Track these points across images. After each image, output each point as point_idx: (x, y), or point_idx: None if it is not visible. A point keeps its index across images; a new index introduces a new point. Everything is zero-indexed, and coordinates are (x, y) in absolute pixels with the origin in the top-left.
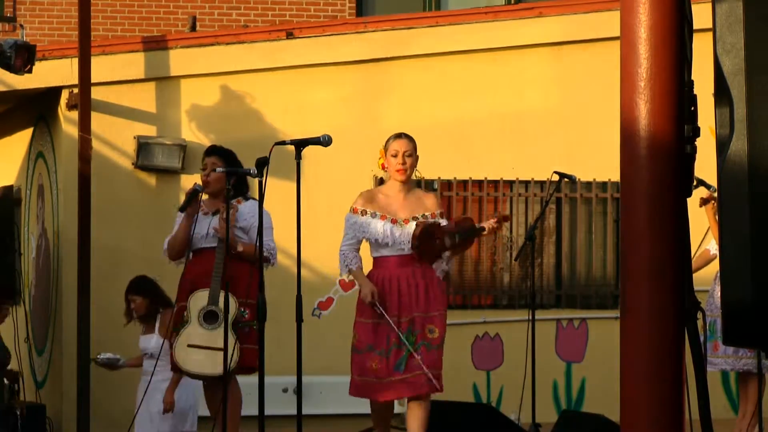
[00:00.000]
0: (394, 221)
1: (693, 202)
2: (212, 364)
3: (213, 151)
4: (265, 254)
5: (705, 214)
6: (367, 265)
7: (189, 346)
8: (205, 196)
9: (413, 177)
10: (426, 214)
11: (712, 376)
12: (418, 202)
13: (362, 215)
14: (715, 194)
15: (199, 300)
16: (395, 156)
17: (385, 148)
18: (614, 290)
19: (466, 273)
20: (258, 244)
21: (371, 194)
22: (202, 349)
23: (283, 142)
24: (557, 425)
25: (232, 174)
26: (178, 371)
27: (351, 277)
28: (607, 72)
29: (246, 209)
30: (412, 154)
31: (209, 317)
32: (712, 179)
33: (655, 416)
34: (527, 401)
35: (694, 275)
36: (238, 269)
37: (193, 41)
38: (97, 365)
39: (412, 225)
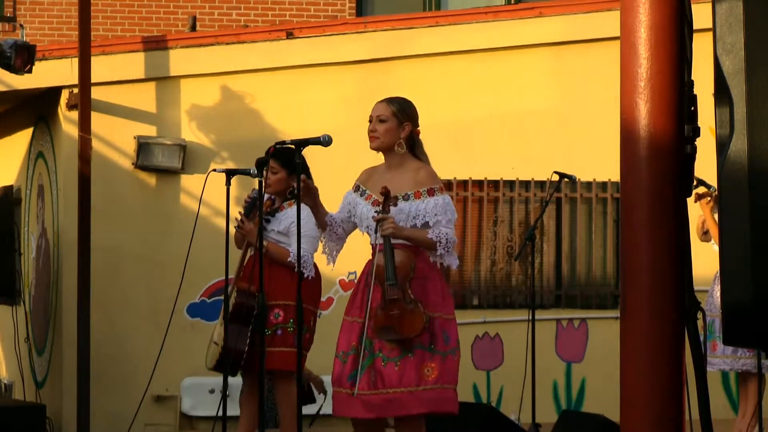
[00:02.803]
0: (376, 203)
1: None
2: (210, 359)
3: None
4: (291, 260)
5: (701, 209)
6: (365, 256)
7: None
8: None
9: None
10: (408, 193)
11: (712, 376)
12: (406, 178)
13: (355, 191)
14: (714, 193)
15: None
16: (370, 121)
17: None
18: (614, 290)
19: (466, 273)
20: (258, 245)
21: (372, 169)
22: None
23: (283, 142)
24: (557, 425)
25: (230, 174)
26: None
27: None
28: (607, 72)
29: (286, 213)
30: (387, 119)
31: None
32: (712, 179)
33: (655, 416)
34: (527, 401)
35: (694, 275)
36: (275, 270)
37: (193, 41)
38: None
39: (402, 205)
